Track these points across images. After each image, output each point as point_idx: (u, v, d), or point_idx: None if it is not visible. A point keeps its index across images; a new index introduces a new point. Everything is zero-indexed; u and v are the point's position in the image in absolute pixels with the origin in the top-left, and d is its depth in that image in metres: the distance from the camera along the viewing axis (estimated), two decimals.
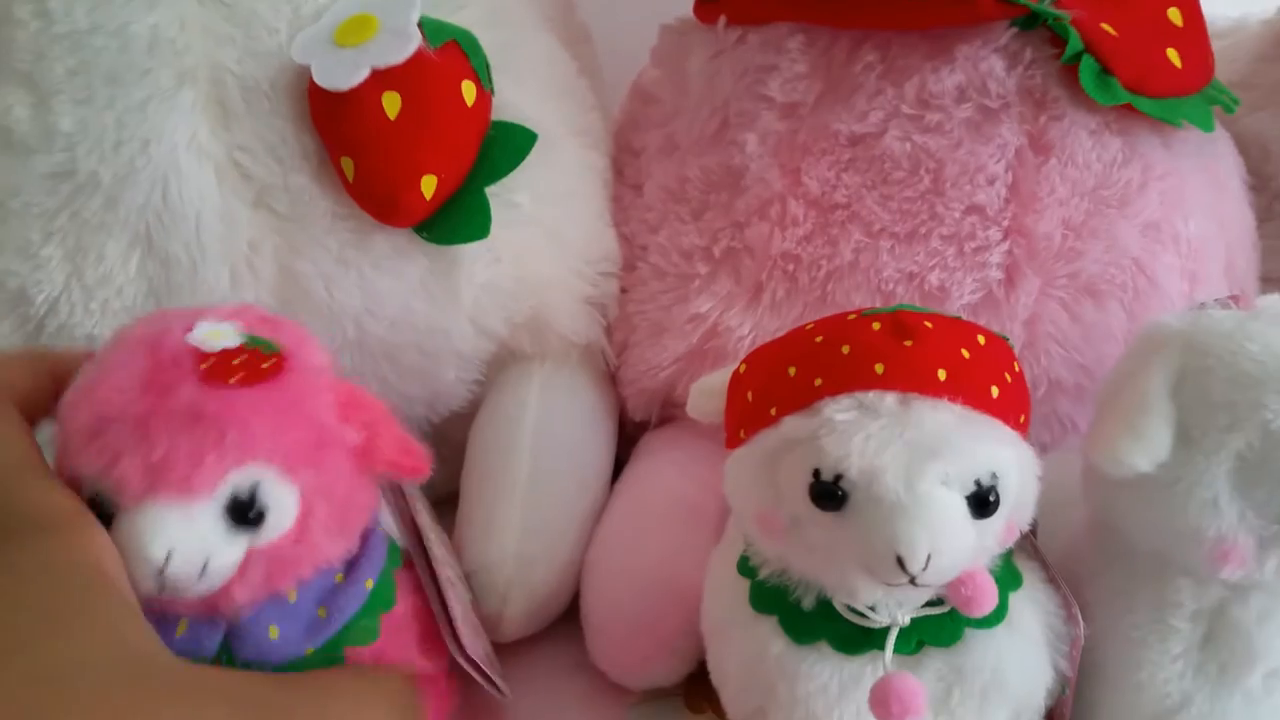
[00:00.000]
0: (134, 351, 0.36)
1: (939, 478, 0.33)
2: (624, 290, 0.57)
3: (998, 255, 0.49)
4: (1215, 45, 0.68)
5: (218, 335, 0.36)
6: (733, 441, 0.39)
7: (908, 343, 0.35)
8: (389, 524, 0.44)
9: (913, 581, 0.33)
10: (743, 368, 0.40)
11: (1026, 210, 0.49)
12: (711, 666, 0.42)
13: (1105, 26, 0.49)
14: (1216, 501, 0.35)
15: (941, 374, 0.34)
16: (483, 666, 0.42)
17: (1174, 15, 0.51)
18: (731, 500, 0.39)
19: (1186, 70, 0.50)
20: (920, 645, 0.37)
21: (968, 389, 0.34)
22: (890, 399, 0.34)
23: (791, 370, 0.36)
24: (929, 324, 0.36)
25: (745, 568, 0.40)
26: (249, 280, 0.49)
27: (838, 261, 0.50)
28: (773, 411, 0.36)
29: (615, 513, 0.52)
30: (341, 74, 0.47)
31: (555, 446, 0.53)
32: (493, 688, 0.43)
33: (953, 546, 0.33)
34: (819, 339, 0.37)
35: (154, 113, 0.47)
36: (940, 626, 0.37)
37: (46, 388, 0.36)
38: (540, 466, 0.52)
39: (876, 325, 0.36)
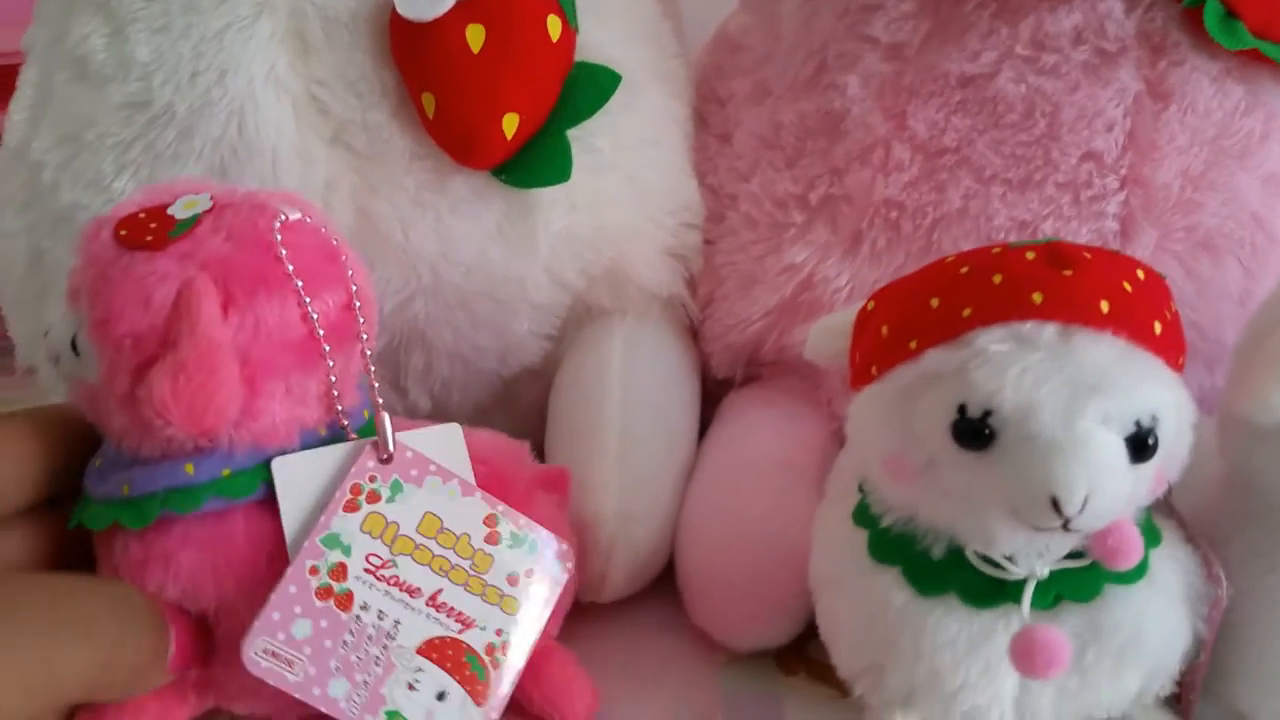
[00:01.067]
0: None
1: (1099, 416, 0.32)
2: (710, 242, 0.56)
3: (1114, 205, 0.48)
4: None
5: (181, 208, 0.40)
6: (862, 379, 0.37)
7: (1067, 272, 0.34)
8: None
9: (1066, 526, 0.32)
10: (871, 304, 0.38)
11: (1144, 159, 0.48)
12: (821, 623, 0.41)
13: None
14: None
15: (1105, 305, 0.33)
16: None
17: None
18: (857, 442, 0.38)
19: None
20: (1058, 600, 0.36)
21: (1132, 323, 0.33)
22: (1050, 330, 0.33)
23: (934, 302, 0.35)
24: (1087, 255, 0.35)
25: (864, 517, 0.39)
26: None
27: (945, 209, 0.49)
28: (913, 345, 0.35)
29: (709, 473, 0.51)
30: (426, 3, 0.46)
31: (644, 403, 0.52)
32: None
33: (1111, 490, 0.32)
34: (964, 269, 0.35)
35: (231, 42, 0.47)
36: (1080, 580, 0.36)
37: None
38: (631, 424, 0.51)
39: (1031, 255, 0.35)
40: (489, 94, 0.47)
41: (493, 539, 0.41)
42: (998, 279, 0.34)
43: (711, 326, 0.56)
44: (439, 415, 0.54)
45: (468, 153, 0.48)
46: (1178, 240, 0.48)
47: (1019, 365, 0.32)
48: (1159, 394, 0.33)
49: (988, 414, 0.33)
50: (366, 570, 0.39)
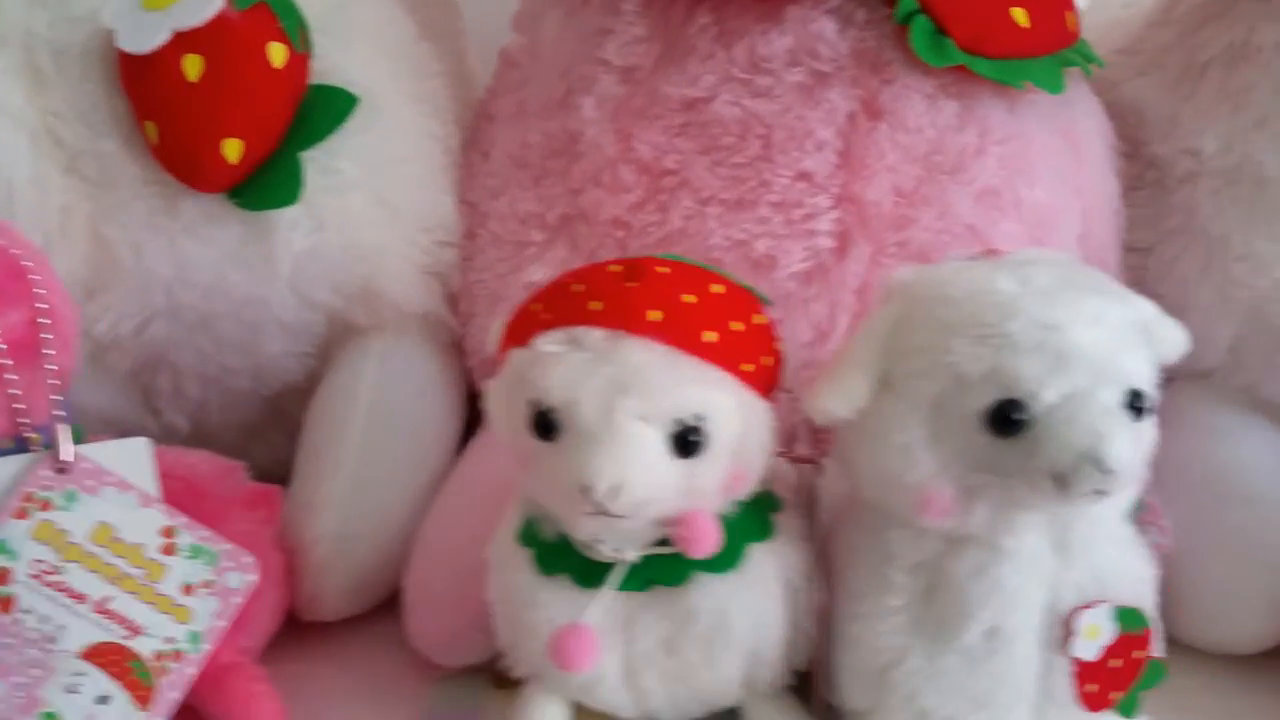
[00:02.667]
0: None
1: (635, 413, 0.36)
2: (467, 259, 0.59)
3: (827, 223, 0.51)
4: (1123, 14, 0.70)
5: None
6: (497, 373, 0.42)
7: (632, 284, 0.38)
8: None
9: (605, 512, 0.36)
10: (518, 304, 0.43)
11: (856, 177, 0.51)
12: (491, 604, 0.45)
13: None
14: (911, 448, 0.37)
15: (653, 315, 0.37)
16: None
17: None
18: (495, 429, 0.42)
19: (1035, 30, 0.52)
20: (649, 584, 0.40)
21: (680, 332, 0.37)
22: (598, 334, 0.37)
23: (536, 307, 0.40)
24: (664, 269, 0.39)
25: (521, 503, 0.43)
26: (61, 245, 0.52)
27: (668, 229, 0.52)
28: (510, 345, 0.40)
29: (447, 490, 0.55)
30: (143, 36, 0.50)
31: (390, 422, 0.56)
32: None
33: (644, 480, 0.36)
34: (568, 278, 0.40)
35: None
36: (668, 566, 0.40)
37: None
38: (372, 442, 0.55)
39: (616, 269, 0.39)
40: (207, 121, 0.50)
41: (170, 550, 0.44)
42: (579, 288, 0.39)
43: (470, 342, 0.59)
44: (200, 436, 0.58)
45: (192, 177, 0.51)
46: (891, 254, 0.51)
47: (565, 364, 0.37)
48: (705, 395, 0.37)
49: (552, 409, 0.37)
50: (32, 576, 0.43)
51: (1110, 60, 0.63)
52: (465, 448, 0.58)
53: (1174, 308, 0.55)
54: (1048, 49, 0.53)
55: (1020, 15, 0.52)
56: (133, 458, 0.45)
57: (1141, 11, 0.67)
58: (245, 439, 0.60)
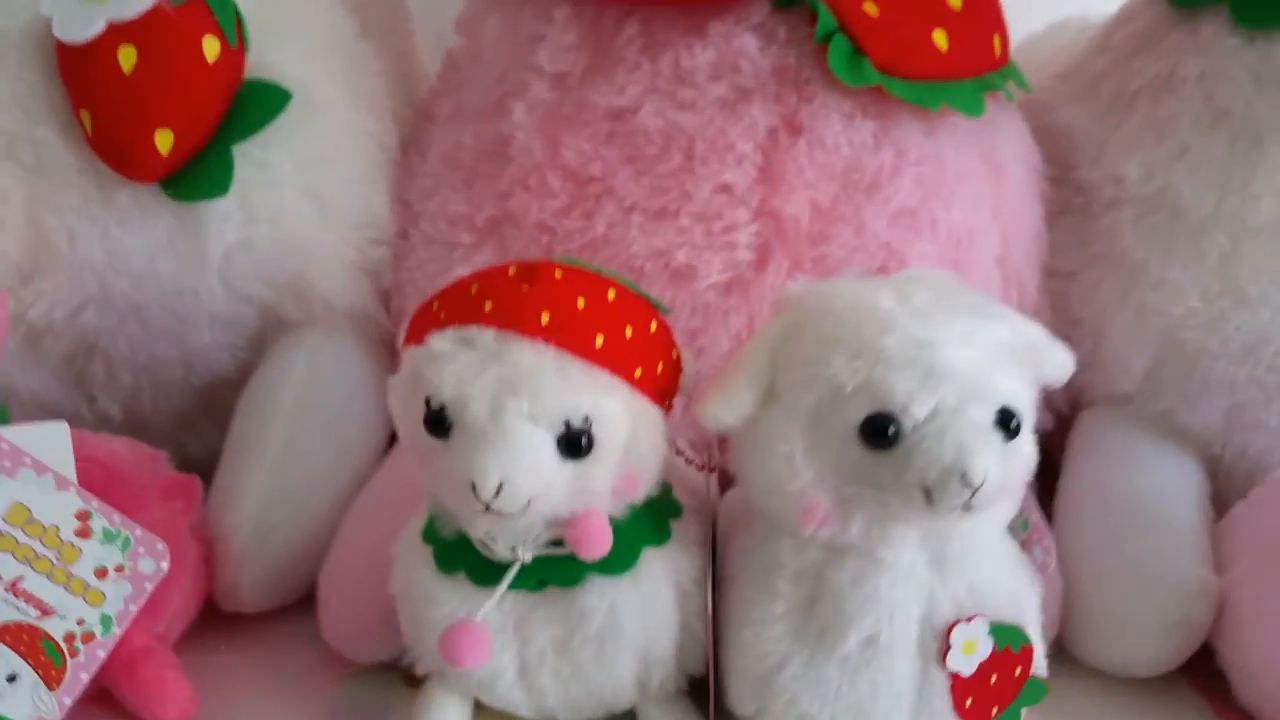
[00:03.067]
0: None
1: (523, 413, 0.38)
2: (400, 258, 0.61)
3: (746, 236, 0.53)
4: (1075, 39, 0.73)
5: None
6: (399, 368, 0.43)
7: (525, 286, 0.39)
8: None
9: (489, 509, 0.38)
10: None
11: (775, 191, 0.52)
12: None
13: (867, 6, 0.52)
14: (794, 457, 0.38)
15: (545, 318, 0.39)
16: None
17: None
18: (396, 426, 0.43)
19: (954, 53, 0.54)
20: (542, 584, 0.42)
21: (569, 336, 0.39)
22: (489, 335, 0.39)
23: (434, 306, 0.41)
24: (559, 274, 0.40)
25: (427, 500, 0.44)
26: None
27: (591, 235, 0.54)
28: (409, 343, 0.41)
29: (370, 489, 0.56)
30: (79, 26, 0.51)
31: (316, 416, 0.57)
32: None
33: (529, 479, 0.38)
34: (467, 279, 0.42)
35: None
36: (562, 567, 0.41)
37: None
38: (296, 435, 0.56)
39: (512, 270, 0.41)
40: (140, 112, 0.52)
41: (84, 533, 0.46)
42: (474, 289, 0.40)
43: (399, 341, 0.61)
44: (133, 424, 0.59)
45: (125, 167, 0.53)
46: (809, 269, 0.53)
47: (456, 363, 0.38)
48: (594, 399, 0.39)
49: (444, 407, 0.38)
50: None
51: (1047, 85, 0.65)
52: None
53: (1094, 332, 0.59)
54: (969, 72, 0.55)
55: (940, 38, 0.54)
56: (51, 441, 0.47)
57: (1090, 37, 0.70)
58: (178, 429, 0.62)
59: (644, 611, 0.42)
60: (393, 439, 0.60)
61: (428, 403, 0.39)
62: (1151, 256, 0.56)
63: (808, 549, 0.41)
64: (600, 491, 0.40)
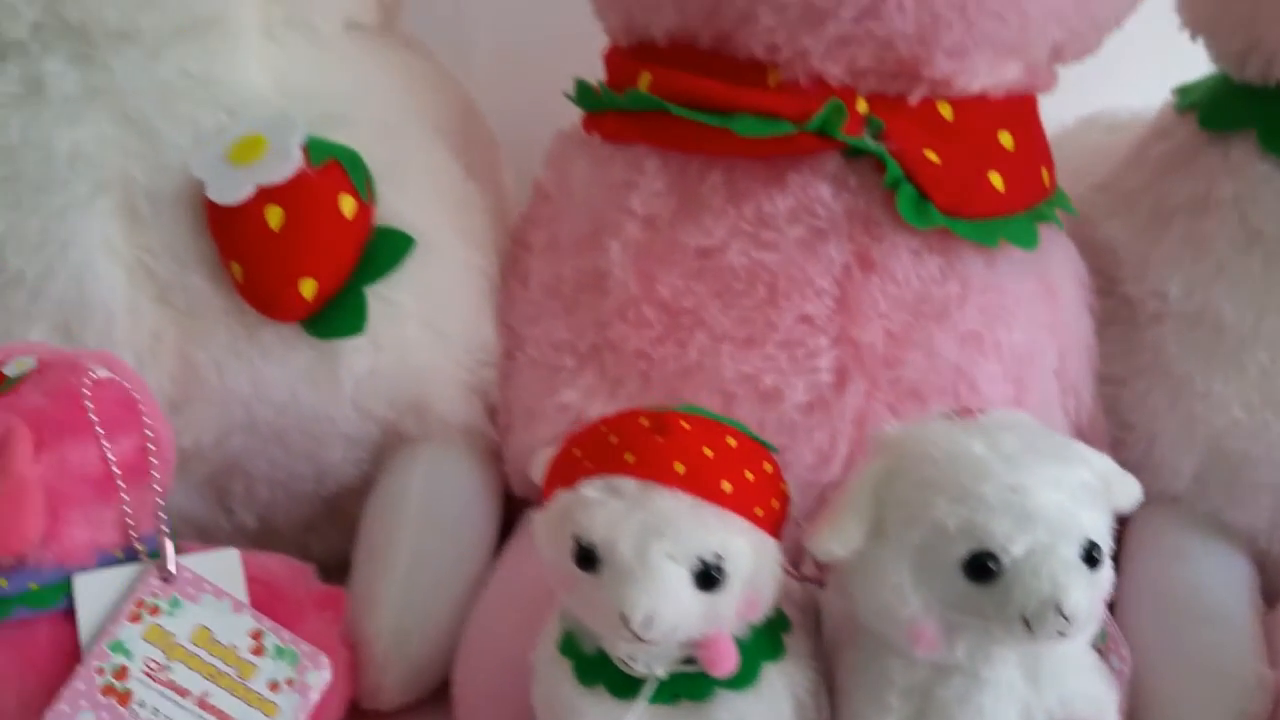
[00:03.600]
0: None
1: (665, 553, 0.43)
2: (506, 377, 0.67)
3: (826, 360, 0.58)
4: (1104, 140, 0.78)
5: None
6: (541, 506, 0.49)
7: (659, 438, 0.45)
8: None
9: (638, 637, 0.43)
10: (560, 444, 0.50)
11: (852, 321, 0.58)
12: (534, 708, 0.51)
13: (929, 154, 0.58)
14: (902, 588, 0.44)
15: (679, 467, 0.44)
16: None
17: (1005, 139, 0.61)
18: (541, 554, 0.48)
19: (1010, 192, 0.59)
20: (676, 698, 0.47)
21: (701, 483, 0.44)
22: (632, 484, 0.44)
23: (576, 452, 0.47)
24: (686, 424, 0.46)
25: (563, 616, 0.50)
26: (151, 366, 0.59)
27: (685, 362, 0.60)
28: (557, 485, 0.47)
29: (491, 591, 0.61)
30: (230, 190, 0.57)
31: (437, 524, 0.63)
32: None
33: (672, 611, 0.43)
34: (603, 429, 0.47)
35: (72, 218, 0.59)
36: (693, 683, 0.46)
37: None
38: (422, 544, 0.61)
39: (645, 421, 0.46)
40: (287, 264, 0.58)
41: (258, 651, 0.52)
42: (613, 439, 0.46)
43: (507, 453, 0.66)
44: (266, 533, 0.66)
45: (271, 311, 0.59)
46: (886, 390, 0.58)
47: (606, 509, 0.44)
48: (724, 538, 0.44)
49: (594, 546, 0.44)
50: (145, 673, 0.50)
51: (1087, 197, 0.71)
52: (502, 546, 0.65)
53: (1145, 437, 0.64)
54: (1023, 207, 0.61)
55: (997, 180, 0.59)
56: (225, 567, 0.53)
57: (1122, 142, 0.75)
58: (304, 533, 0.68)
59: None
60: (499, 540, 0.66)
61: (577, 540, 0.45)
62: (1195, 370, 0.61)
63: (916, 667, 0.45)
64: (728, 616, 0.45)
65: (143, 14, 0.59)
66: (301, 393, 0.61)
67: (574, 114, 0.68)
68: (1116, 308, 0.66)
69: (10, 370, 0.52)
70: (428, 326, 0.64)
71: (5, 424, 0.49)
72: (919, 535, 0.44)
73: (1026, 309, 0.61)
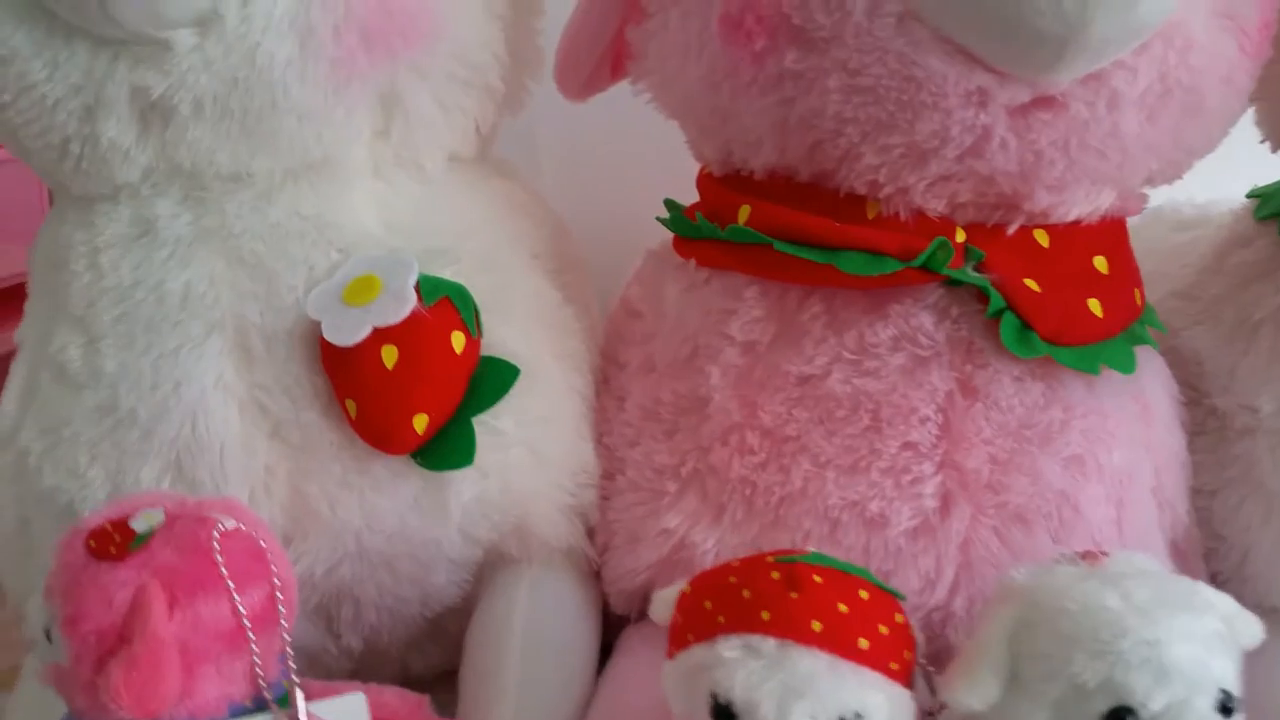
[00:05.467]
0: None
1: (807, 713, 0.43)
2: (605, 498, 0.66)
3: (931, 486, 0.58)
4: (1175, 240, 0.78)
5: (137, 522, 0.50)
6: (669, 653, 0.49)
7: (793, 595, 0.45)
8: None
9: None
10: (686, 588, 0.50)
11: (956, 447, 0.58)
12: None
13: (1029, 282, 0.59)
14: None
15: (816, 626, 0.44)
16: None
17: (1100, 263, 0.61)
18: (669, 700, 0.48)
19: (1108, 317, 0.59)
20: None
21: (838, 640, 0.44)
22: (771, 643, 0.44)
23: (707, 604, 0.47)
24: (818, 577, 0.46)
25: None
26: (264, 500, 0.60)
27: (789, 489, 0.60)
28: (690, 638, 0.47)
29: (598, 712, 0.61)
30: (347, 331, 0.58)
31: (543, 646, 0.62)
32: None
33: None
34: (732, 579, 0.47)
35: (185, 358, 0.59)
36: None
37: None
38: (529, 667, 0.61)
39: (776, 575, 0.46)
40: (401, 401, 0.58)
41: None
42: (746, 594, 0.46)
43: (607, 573, 0.66)
44: (371, 654, 0.66)
45: (385, 446, 0.59)
46: (991, 515, 0.58)
47: (745, 669, 0.44)
48: (862, 695, 0.44)
49: (730, 703, 0.44)
50: None
51: (1168, 304, 0.71)
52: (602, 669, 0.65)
53: (1239, 548, 0.63)
54: (1119, 329, 0.61)
55: (1096, 306, 0.59)
56: (352, 710, 0.53)
57: (1195, 242, 0.75)
58: (406, 651, 0.68)
59: None
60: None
61: (715, 697, 0.45)
62: None
63: None
64: None
65: (256, 159, 0.60)
66: (410, 521, 0.61)
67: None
68: (1204, 418, 0.66)
69: (139, 525, 0.51)
70: (530, 452, 0.64)
71: (141, 585, 0.49)
72: (1057, 690, 0.44)
73: (1125, 429, 0.61)
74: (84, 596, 0.49)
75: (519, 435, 0.63)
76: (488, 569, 0.66)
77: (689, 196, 0.68)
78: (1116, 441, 0.60)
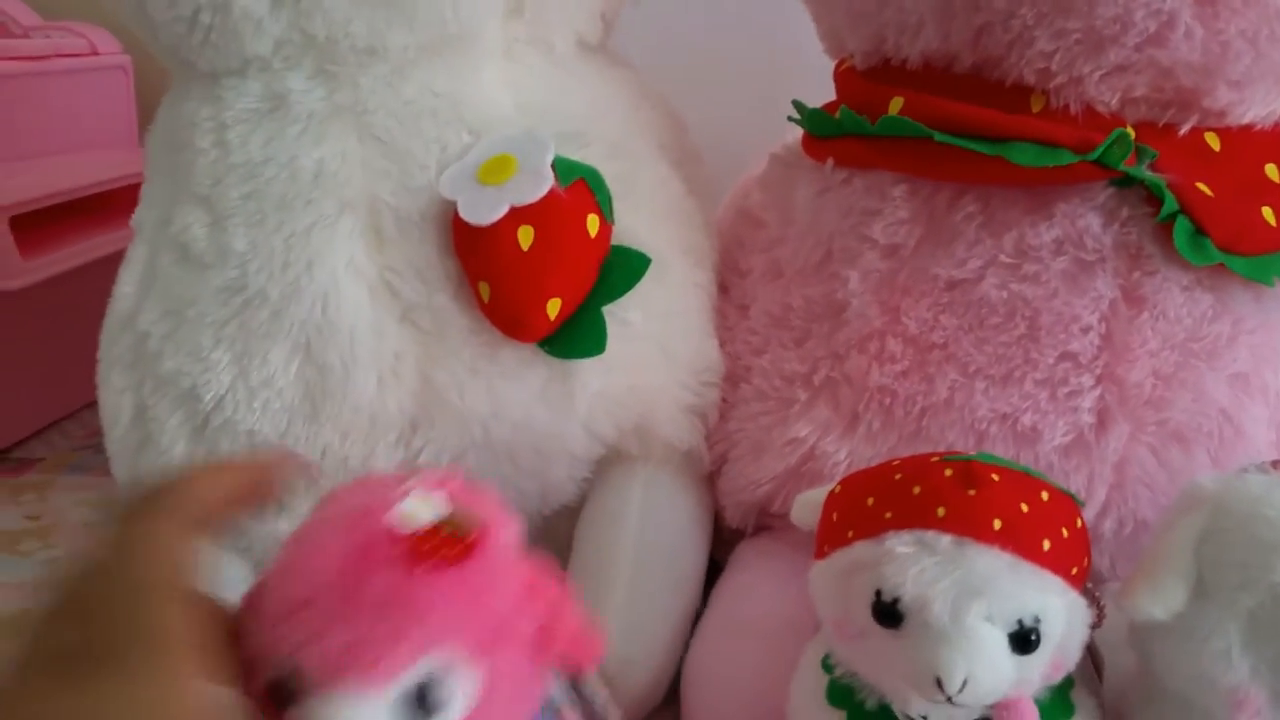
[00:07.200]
0: (333, 531, 0.37)
1: (982, 614, 0.40)
2: (726, 405, 0.64)
3: (1089, 400, 0.54)
4: None
5: (415, 514, 0.38)
6: (819, 554, 0.46)
7: (971, 491, 0.41)
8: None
9: (949, 701, 0.40)
10: (837, 489, 0.47)
11: (1119, 359, 0.54)
12: None
13: (1201, 186, 0.55)
14: (1229, 653, 0.40)
15: (997, 524, 0.41)
16: None
17: (1271, 171, 0.57)
18: (815, 602, 0.46)
19: None
20: None
21: (1020, 540, 0.41)
22: (946, 540, 0.41)
23: (870, 500, 0.44)
24: (996, 476, 0.42)
25: (826, 664, 0.47)
26: (393, 386, 0.58)
27: (933, 399, 0.56)
28: (850, 534, 0.43)
29: (715, 624, 0.58)
30: (483, 210, 0.55)
31: (655, 548, 0.60)
32: None
33: (989, 676, 0.40)
34: (898, 476, 0.44)
35: (317, 237, 0.57)
36: None
37: (235, 499, 0.39)
38: (640, 568, 0.59)
39: (949, 472, 0.43)
40: (536, 284, 0.56)
41: None
42: (916, 490, 0.42)
43: (724, 484, 0.63)
44: None
45: (517, 331, 0.57)
46: (1150, 433, 0.55)
47: (918, 566, 0.41)
48: (1042, 599, 0.41)
49: (897, 600, 0.41)
50: None
51: None
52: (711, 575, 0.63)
53: None
54: None
55: (1269, 214, 0.55)
56: None
57: None
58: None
59: None
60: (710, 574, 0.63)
61: (879, 594, 0.42)
62: None
63: None
64: (1033, 680, 0.42)
65: (392, 31, 0.57)
66: (536, 412, 0.59)
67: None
68: None
69: (404, 520, 0.38)
70: (657, 346, 0.62)
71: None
72: (1253, 598, 0.40)
73: None
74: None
75: (646, 329, 0.61)
76: (604, 466, 0.64)
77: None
78: None
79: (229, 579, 0.55)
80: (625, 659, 0.56)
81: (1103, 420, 0.55)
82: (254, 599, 0.38)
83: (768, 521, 0.64)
